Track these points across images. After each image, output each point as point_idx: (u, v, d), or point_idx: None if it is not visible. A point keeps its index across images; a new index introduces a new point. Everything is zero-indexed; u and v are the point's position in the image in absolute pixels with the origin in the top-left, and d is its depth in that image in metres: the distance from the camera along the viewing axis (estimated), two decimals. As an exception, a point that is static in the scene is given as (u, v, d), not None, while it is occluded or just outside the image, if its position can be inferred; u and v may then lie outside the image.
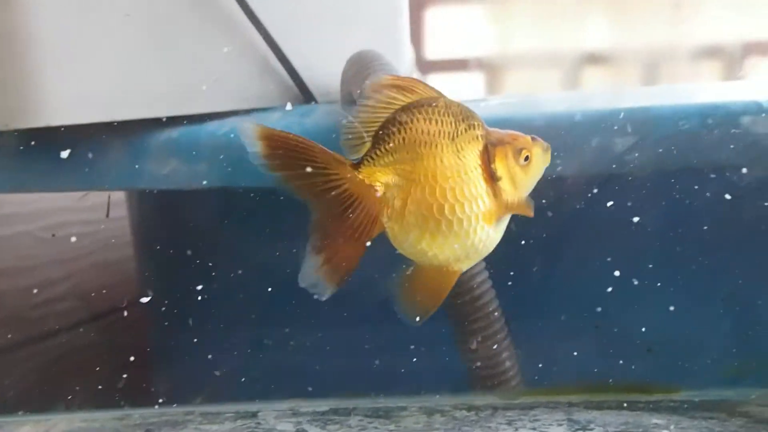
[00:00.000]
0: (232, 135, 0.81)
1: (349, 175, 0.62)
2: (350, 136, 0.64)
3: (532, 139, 0.66)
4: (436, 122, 0.63)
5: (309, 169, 0.61)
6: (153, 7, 0.80)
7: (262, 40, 0.88)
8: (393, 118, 0.63)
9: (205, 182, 0.80)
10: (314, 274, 0.62)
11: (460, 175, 0.63)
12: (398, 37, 1.01)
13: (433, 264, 0.64)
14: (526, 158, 0.65)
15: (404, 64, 1.03)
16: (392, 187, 0.63)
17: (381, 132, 0.63)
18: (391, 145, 0.63)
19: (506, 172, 0.65)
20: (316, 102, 0.92)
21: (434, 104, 0.63)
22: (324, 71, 0.91)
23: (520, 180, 0.66)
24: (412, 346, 0.84)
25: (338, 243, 0.62)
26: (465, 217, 0.63)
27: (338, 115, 0.84)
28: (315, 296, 0.61)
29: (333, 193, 0.62)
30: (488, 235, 0.64)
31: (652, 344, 0.81)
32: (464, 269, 0.66)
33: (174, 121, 0.82)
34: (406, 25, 1.02)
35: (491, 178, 0.64)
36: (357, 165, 0.63)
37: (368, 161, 0.63)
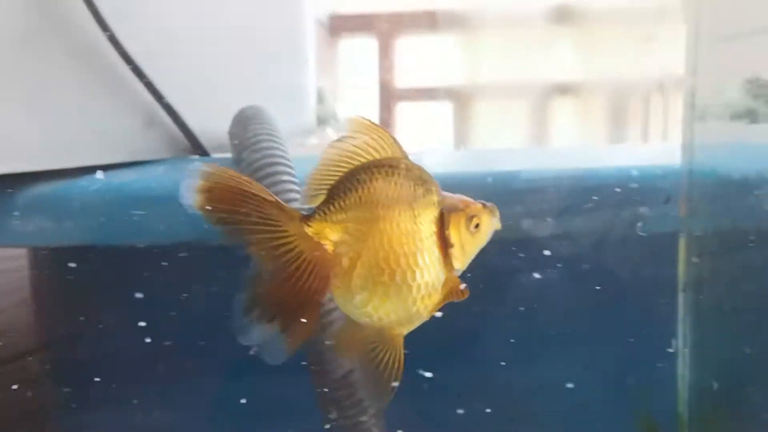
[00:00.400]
0: (104, 191, 0.80)
1: (297, 231, 0.60)
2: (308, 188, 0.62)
3: (483, 205, 0.64)
4: (396, 184, 0.61)
5: (253, 223, 0.59)
6: (32, 58, 0.79)
7: (149, 92, 0.87)
8: (352, 175, 0.61)
9: (75, 240, 0.78)
10: (273, 342, 0.60)
11: (415, 242, 0.61)
12: (301, 91, 1.00)
13: (374, 325, 0.62)
14: (476, 225, 0.64)
15: (307, 117, 1.01)
16: (342, 245, 0.61)
17: (337, 187, 0.61)
18: (346, 202, 0.61)
19: (458, 240, 0.63)
20: (208, 155, 0.91)
21: (396, 165, 0.61)
22: (217, 124, 0.90)
23: (470, 248, 0.64)
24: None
25: (290, 306, 0.60)
26: (416, 285, 0.61)
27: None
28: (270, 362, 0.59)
29: (280, 249, 0.60)
30: (434, 302, 0.63)
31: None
32: (405, 333, 0.64)
33: (47, 175, 0.80)
34: (311, 79, 1.01)
35: (445, 245, 0.63)
36: (307, 218, 0.61)
37: (320, 215, 0.61)
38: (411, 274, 0.61)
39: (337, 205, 0.61)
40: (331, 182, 0.61)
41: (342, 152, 0.61)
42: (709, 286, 0.74)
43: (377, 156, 0.61)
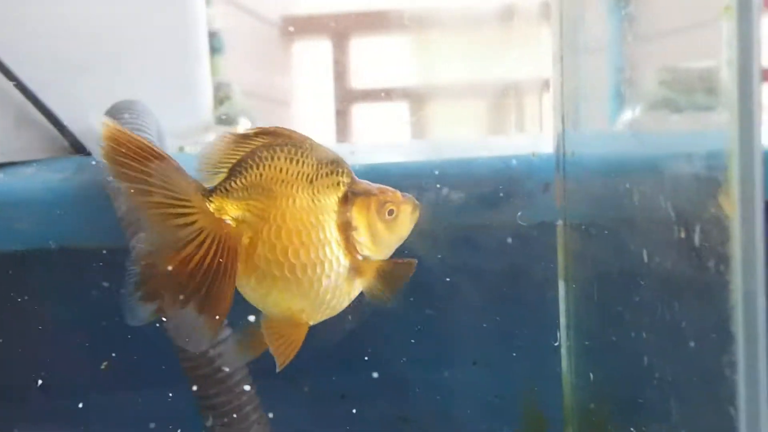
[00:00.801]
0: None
1: (199, 204, 0.58)
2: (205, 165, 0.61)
3: (403, 196, 0.63)
4: (297, 162, 0.60)
5: (156, 186, 0.56)
6: None
7: (20, 92, 0.83)
8: (252, 153, 0.60)
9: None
10: (194, 328, 0.58)
11: (310, 219, 0.60)
12: (193, 88, 0.96)
13: (280, 314, 0.60)
14: (391, 213, 0.62)
15: (202, 115, 0.98)
16: (243, 224, 0.59)
17: (238, 165, 0.60)
18: (246, 179, 0.59)
19: (365, 224, 0.62)
20: (90, 154, 0.87)
21: (299, 145, 0.60)
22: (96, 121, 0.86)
23: (382, 236, 0.62)
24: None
25: (199, 286, 0.58)
26: (310, 263, 0.59)
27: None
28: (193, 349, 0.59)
29: (181, 221, 0.58)
30: (338, 288, 0.61)
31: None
32: (314, 323, 0.62)
33: None
34: (205, 77, 0.97)
35: (345, 226, 0.61)
36: (209, 193, 0.59)
37: (221, 191, 0.59)
38: (305, 251, 0.59)
39: (238, 182, 0.60)
40: (232, 161, 0.60)
41: (243, 137, 0.60)
42: (584, 274, 0.71)
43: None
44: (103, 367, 0.78)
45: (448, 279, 0.75)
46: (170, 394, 0.78)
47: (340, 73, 2.78)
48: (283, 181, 0.60)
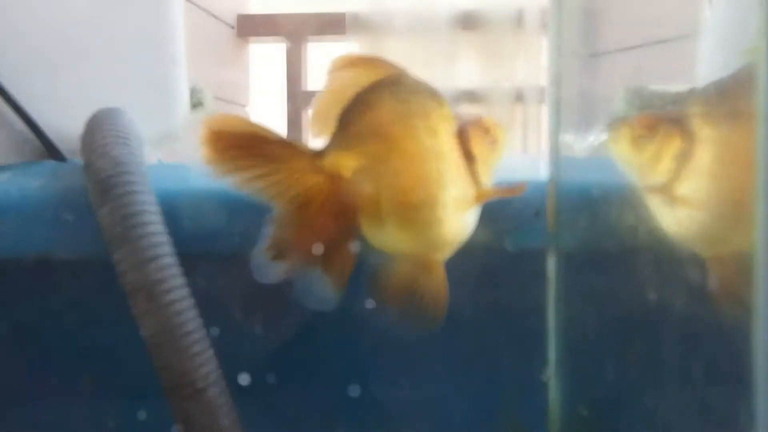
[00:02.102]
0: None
1: (309, 167, 0.56)
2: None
3: (494, 119, 0.63)
4: (407, 101, 0.58)
5: (264, 170, 0.55)
6: None
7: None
8: (358, 98, 0.57)
9: None
10: (320, 287, 0.57)
11: (437, 158, 0.58)
12: (169, 93, 0.94)
13: (411, 255, 0.59)
14: (493, 139, 0.62)
15: (178, 121, 0.96)
16: (362, 173, 0.57)
17: (346, 113, 0.57)
18: (358, 127, 0.57)
19: (480, 154, 0.61)
20: (65, 159, 0.85)
21: (402, 82, 0.58)
22: (75, 127, 0.83)
23: (492, 162, 0.63)
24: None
25: (323, 245, 0.57)
26: (445, 203, 0.58)
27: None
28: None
29: (294, 190, 0.57)
30: (467, 222, 0.60)
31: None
32: (444, 259, 0.61)
33: None
34: (182, 81, 0.95)
35: (469, 160, 0.60)
36: (320, 152, 0.57)
37: (334, 146, 0.57)
38: (441, 191, 0.58)
39: (349, 132, 0.58)
40: (338, 110, 0.58)
41: (343, 81, 0.58)
42: (576, 305, 0.71)
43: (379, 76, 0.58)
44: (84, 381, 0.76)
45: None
46: (147, 411, 0.76)
47: (294, 76, 2.76)
48: (396, 122, 0.58)
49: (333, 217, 0.57)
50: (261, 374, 0.77)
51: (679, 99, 0.69)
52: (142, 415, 0.77)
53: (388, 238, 0.59)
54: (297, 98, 2.70)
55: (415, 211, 0.58)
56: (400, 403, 0.79)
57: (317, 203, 0.57)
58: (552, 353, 0.76)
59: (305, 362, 0.80)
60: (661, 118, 0.61)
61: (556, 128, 0.73)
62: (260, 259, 0.59)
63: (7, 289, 0.77)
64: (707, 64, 0.68)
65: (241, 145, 0.55)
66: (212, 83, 1.56)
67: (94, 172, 0.74)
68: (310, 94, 2.60)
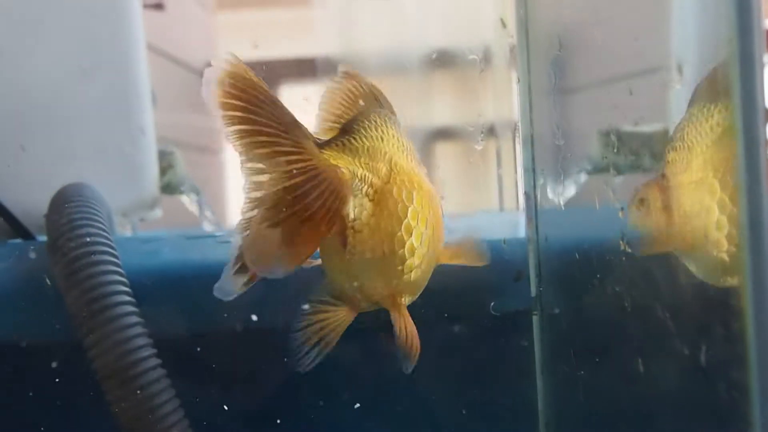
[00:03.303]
0: None
1: (314, 152, 0.53)
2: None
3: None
4: (403, 137, 0.59)
5: (269, 133, 0.51)
6: None
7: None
8: (367, 115, 0.57)
9: None
10: (272, 251, 0.52)
11: (434, 197, 0.58)
12: (139, 162, 0.92)
13: (376, 295, 0.57)
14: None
15: (149, 189, 0.94)
16: (361, 181, 0.55)
17: (352, 125, 0.57)
18: (364, 141, 0.56)
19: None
20: (33, 237, 0.82)
21: (395, 119, 0.59)
22: (41, 203, 0.81)
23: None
24: None
25: (296, 223, 0.52)
26: (422, 255, 0.57)
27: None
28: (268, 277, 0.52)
29: (296, 165, 0.52)
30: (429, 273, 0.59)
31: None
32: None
33: None
34: (151, 148, 0.93)
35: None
36: (322, 145, 0.55)
37: (337, 145, 0.55)
38: (431, 229, 0.57)
39: (355, 140, 0.56)
40: (342, 120, 0.58)
41: (350, 92, 0.58)
42: (563, 367, 0.70)
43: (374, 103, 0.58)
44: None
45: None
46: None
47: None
48: (401, 151, 0.58)
49: (315, 197, 0.53)
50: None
51: (654, 139, 0.68)
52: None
53: (357, 266, 0.57)
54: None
55: (404, 239, 0.57)
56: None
57: (306, 176, 0.53)
58: (541, 417, 0.74)
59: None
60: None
61: (532, 176, 0.72)
62: (225, 275, 0.54)
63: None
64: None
65: (257, 98, 0.51)
66: (184, 131, 1.55)
67: (60, 254, 0.71)
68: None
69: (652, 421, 0.56)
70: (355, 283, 0.57)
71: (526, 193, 0.73)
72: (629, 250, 0.59)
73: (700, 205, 0.55)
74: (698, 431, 0.54)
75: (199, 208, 1.09)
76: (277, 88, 2.77)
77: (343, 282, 0.58)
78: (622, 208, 0.61)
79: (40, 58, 0.84)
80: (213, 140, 2.70)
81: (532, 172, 0.72)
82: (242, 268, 0.54)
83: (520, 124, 0.76)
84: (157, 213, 0.94)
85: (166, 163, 1.01)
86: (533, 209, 0.72)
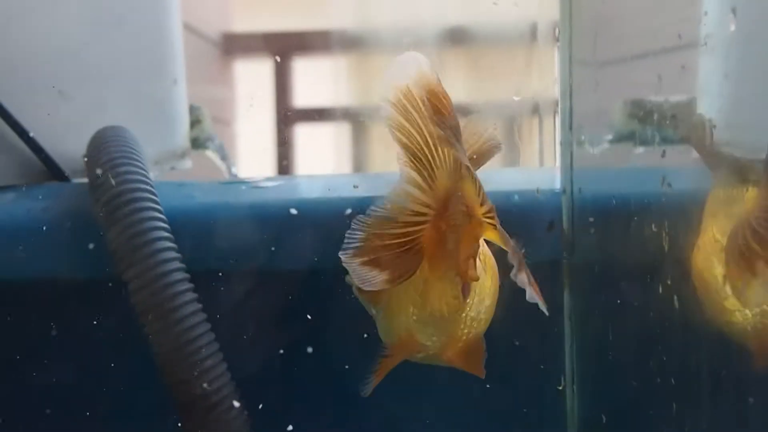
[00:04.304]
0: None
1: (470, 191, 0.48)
2: None
3: None
4: None
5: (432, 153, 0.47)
6: None
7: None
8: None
9: None
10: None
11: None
12: (171, 112, 0.93)
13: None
14: None
15: (179, 140, 0.95)
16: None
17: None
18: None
19: None
20: (68, 180, 0.83)
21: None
22: (77, 147, 0.82)
23: None
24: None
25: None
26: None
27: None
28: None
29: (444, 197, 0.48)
30: None
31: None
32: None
33: None
34: (182, 100, 0.94)
35: None
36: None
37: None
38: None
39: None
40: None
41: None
42: (592, 315, 0.71)
43: None
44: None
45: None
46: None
47: (281, 93, 2.76)
48: None
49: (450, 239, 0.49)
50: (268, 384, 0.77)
51: (679, 109, 0.69)
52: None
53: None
54: (286, 115, 2.70)
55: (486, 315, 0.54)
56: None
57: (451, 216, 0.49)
58: (567, 361, 0.75)
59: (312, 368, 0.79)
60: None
61: (569, 137, 0.73)
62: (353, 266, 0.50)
63: (17, 311, 0.75)
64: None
65: (433, 111, 0.47)
66: (195, 101, 1.55)
67: (101, 192, 0.73)
68: (299, 112, 2.61)
69: (685, 370, 0.58)
70: (431, 331, 0.53)
71: (561, 143, 0.74)
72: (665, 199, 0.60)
73: None
74: (735, 379, 0.55)
75: (225, 164, 1.10)
76: (291, 61, 2.77)
77: (419, 330, 0.53)
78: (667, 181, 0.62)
79: (75, 3, 0.85)
80: (225, 111, 2.71)
81: (569, 125, 0.73)
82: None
83: (560, 94, 0.77)
84: (188, 164, 0.96)
85: (194, 118, 1.03)
86: (568, 159, 0.73)
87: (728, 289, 0.53)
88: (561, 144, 0.74)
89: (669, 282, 0.58)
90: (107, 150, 0.74)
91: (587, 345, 0.73)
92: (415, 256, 0.50)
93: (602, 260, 0.70)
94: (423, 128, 0.47)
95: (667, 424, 0.60)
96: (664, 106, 0.66)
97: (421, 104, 0.47)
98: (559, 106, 0.75)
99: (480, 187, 0.48)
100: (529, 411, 0.78)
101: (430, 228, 0.49)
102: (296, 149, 2.44)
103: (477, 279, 0.50)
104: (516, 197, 0.75)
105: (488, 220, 0.48)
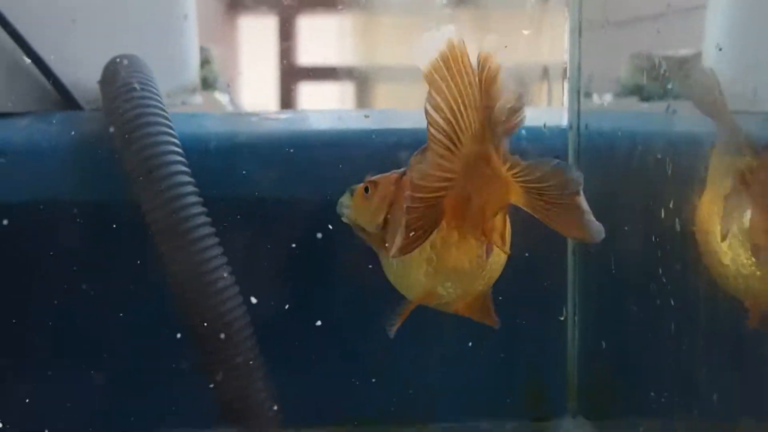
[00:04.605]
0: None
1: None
2: None
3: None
4: None
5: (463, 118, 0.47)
6: None
7: (11, 39, 0.80)
8: None
9: None
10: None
11: None
12: (182, 48, 0.94)
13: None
14: None
15: (190, 76, 0.96)
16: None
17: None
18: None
19: None
20: (81, 108, 0.85)
21: None
22: (90, 77, 0.83)
23: None
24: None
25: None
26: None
27: (102, 123, 0.77)
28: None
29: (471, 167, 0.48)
30: None
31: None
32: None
33: None
34: (193, 37, 0.95)
35: None
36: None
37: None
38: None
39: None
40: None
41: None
42: (596, 247, 0.73)
43: None
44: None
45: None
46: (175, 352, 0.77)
47: (285, 50, 2.75)
48: None
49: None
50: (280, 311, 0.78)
51: (685, 63, 0.70)
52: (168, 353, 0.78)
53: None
54: (290, 73, 2.68)
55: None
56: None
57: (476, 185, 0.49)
58: (570, 293, 0.77)
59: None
60: None
61: (576, 84, 0.74)
62: None
63: (32, 231, 0.76)
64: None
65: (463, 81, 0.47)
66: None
67: (118, 115, 0.74)
68: (303, 70, 2.59)
69: (685, 292, 0.59)
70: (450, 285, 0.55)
71: (569, 88, 0.76)
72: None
73: None
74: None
75: (233, 107, 1.10)
76: (296, 19, 2.75)
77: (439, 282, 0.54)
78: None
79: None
80: (227, 70, 2.70)
81: (576, 76, 0.74)
82: None
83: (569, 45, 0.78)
84: (198, 99, 0.96)
85: (203, 58, 1.03)
86: (576, 99, 0.74)
87: (726, 248, 0.54)
88: (569, 89, 0.76)
89: (671, 206, 0.59)
90: (123, 75, 0.76)
91: (590, 276, 0.75)
92: (435, 219, 0.50)
93: (606, 192, 0.71)
94: (450, 94, 0.47)
95: (665, 345, 0.62)
96: (672, 60, 0.67)
97: (447, 73, 0.47)
98: (568, 62, 0.76)
99: (506, 149, 0.48)
100: (531, 342, 0.79)
101: (456, 190, 0.50)
102: (299, 108, 2.42)
103: (500, 244, 0.51)
104: (522, 132, 0.76)
105: (517, 181, 0.48)
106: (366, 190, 0.57)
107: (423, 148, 0.50)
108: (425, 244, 0.51)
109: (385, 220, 0.55)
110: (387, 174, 0.57)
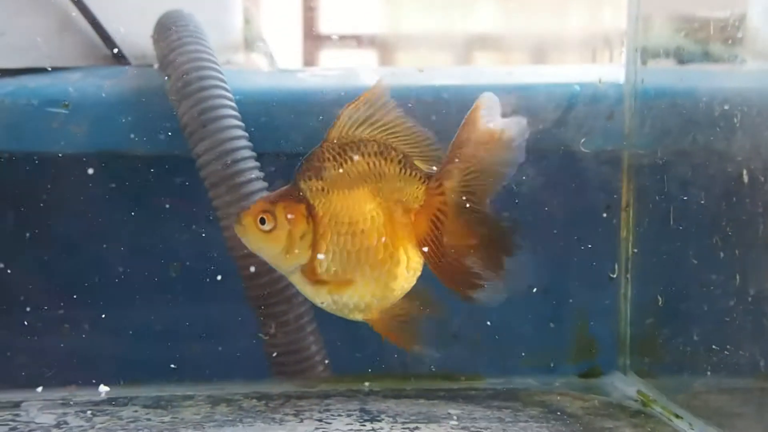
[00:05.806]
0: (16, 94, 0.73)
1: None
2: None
3: None
4: None
5: None
6: None
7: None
8: None
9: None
10: None
11: None
12: (226, 6, 0.94)
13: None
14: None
15: (234, 34, 0.96)
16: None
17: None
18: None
19: None
20: (130, 64, 0.85)
21: None
22: (139, 33, 0.83)
23: None
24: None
25: None
26: None
27: (152, 77, 0.78)
28: None
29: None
30: None
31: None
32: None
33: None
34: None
35: None
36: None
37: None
38: None
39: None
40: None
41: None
42: (652, 200, 0.73)
43: None
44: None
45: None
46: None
47: (308, 18, 2.73)
48: None
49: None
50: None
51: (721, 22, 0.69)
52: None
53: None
54: (313, 41, 2.67)
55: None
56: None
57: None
58: (622, 249, 0.77)
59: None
60: None
61: (633, 41, 0.74)
62: None
63: (87, 182, 0.77)
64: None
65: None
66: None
67: (172, 69, 0.74)
68: (326, 38, 2.58)
69: (753, 240, 0.59)
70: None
71: (626, 46, 0.75)
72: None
73: None
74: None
75: (272, 65, 1.10)
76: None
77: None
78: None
79: None
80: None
81: (635, 25, 0.74)
82: None
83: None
84: (241, 58, 0.96)
85: (246, 17, 1.03)
86: (633, 55, 0.74)
87: None
88: (626, 47, 0.75)
89: (739, 158, 0.59)
90: (175, 29, 0.75)
91: (645, 230, 0.75)
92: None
93: (664, 147, 0.71)
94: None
95: (727, 300, 0.61)
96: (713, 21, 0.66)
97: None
98: (627, 21, 0.76)
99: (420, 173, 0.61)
100: (580, 297, 0.79)
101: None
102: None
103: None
104: (577, 87, 0.76)
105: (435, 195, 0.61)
106: (262, 221, 0.62)
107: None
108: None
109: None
110: (271, 195, 0.63)
